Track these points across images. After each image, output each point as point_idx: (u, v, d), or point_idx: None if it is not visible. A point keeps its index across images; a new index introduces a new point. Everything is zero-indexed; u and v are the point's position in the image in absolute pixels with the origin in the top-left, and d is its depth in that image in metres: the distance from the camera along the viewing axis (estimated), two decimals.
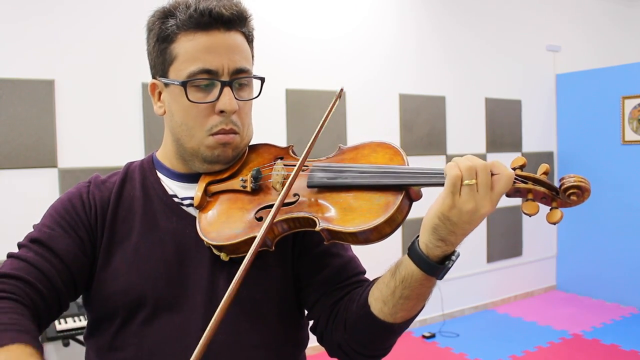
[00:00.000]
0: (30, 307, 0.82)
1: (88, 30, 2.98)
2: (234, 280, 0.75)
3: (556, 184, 0.78)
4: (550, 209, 0.76)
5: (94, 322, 0.96)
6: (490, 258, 4.79)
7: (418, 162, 3.64)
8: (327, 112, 0.91)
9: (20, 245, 0.90)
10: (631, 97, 4.64)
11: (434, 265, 0.79)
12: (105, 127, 3.04)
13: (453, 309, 4.52)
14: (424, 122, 4.32)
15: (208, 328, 0.72)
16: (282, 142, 3.63)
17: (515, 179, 0.77)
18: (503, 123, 4.83)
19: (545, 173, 0.77)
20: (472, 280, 4.65)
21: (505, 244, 4.89)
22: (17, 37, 2.80)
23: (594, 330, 4.15)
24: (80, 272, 0.90)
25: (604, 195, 4.83)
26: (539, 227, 5.10)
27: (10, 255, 0.88)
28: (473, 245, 4.66)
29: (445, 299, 4.41)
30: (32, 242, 0.89)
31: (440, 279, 0.81)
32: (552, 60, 5.22)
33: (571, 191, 0.75)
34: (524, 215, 4.96)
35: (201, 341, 0.71)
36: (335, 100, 0.92)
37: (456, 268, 3.92)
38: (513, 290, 5.00)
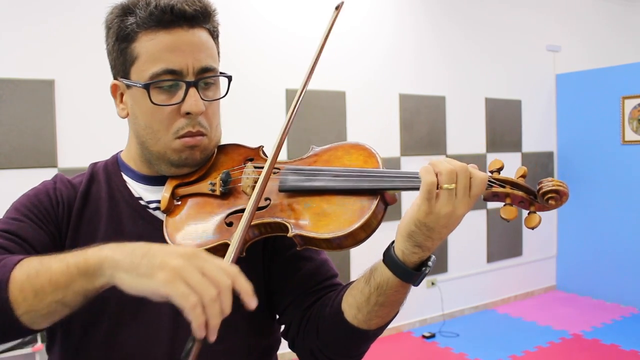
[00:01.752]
0: None
1: (88, 30, 2.98)
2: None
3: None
4: (529, 213, 0.75)
5: (54, 333, 0.90)
6: (490, 258, 4.79)
7: (418, 162, 3.64)
8: (323, 36, 0.89)
9: None
10: (631, 97, 4.64)
11: (411, 272, 0.76)
12: (105, 127, 3.03)
13: (453, 309, 4.52)
14: (423, 122, 4.31)
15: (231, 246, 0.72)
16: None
17: (493, 182, 0.75)
18: (503, 123, 4.83)
19: (522, 176, 0.75)
20: (472, 280, 4.65)
21: (505, 244, 4.89)
22: (17, 37, 2.80)
23: (594, 330, 4.15)
24: None
25: (604, 195, 4.83)
26: (539, 227, 5.08)
27: None
28: (473, 245, 4.66)
29: (445, 299, 4.41)
30: (2, 232, 0.83)
31: (417, 285, 0.79)
32: (552, 60, 5.22)
33: (549, 195, 0.73)
34: (524, 215, 4.98)
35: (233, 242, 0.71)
36: (334, 19, 0.87)
37: (456, 268, 3.92)
38: (513, 290, 4.99)
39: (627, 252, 4.71)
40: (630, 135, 4.67)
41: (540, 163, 5.08)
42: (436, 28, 4.42)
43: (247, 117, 3.37)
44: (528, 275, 5.08)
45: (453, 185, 0.71)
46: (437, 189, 0.72)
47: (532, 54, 5.06)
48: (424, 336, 4.07)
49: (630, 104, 4.65)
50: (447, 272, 4.49)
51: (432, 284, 4.40)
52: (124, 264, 0.66)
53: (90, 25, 3.00)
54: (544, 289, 5.24)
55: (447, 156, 4.43)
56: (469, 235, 4.59)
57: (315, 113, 3.74)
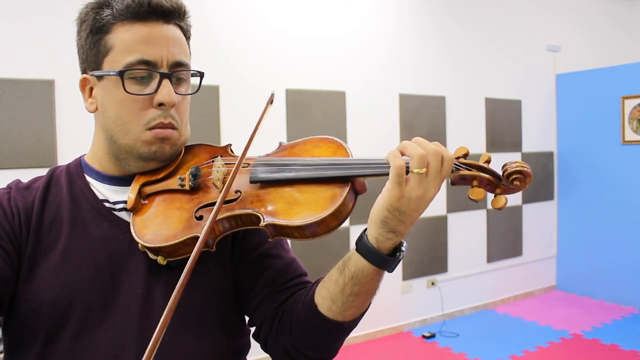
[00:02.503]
0: None
1: None
2: (179, 282, 0.67)
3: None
4: (495, 196, 0.78)
5: (14, 343, 0.87)
6: (490, 258, 4.79)
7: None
8: (260, 117, 0.87)
9: None
10: (631, 97, 4.64)
11: (386, 259, 0.77)
12: None
13: (453, 309, 4.52)
14: (424, 122, 4.32)
15: (152, 340, 0.64)
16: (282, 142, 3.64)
17: (459, 166, 0.78)
18: (503, 123, 4.83)
19: (487, 161, 0.78)
20: (472, 280, 4.65)
21: (505, 244, 4.89)
22: (17, 37, 2.80)
23: (594, 330, 4.15)
24: (7, 286, 0.82)
25: (604, 195, 4.84)
26: (539, 227, 5.11)
27: None
28: (473, 245, 4.66)
29: (445, 299, 4.41)
30: None
31: (391, 271, 0.80)
32: (552, 60, 5.22)
33: (514, 176, 0.76)
34: (524, 215, 5.00)
35: (146, 354, 0.64)
36: (267, 107, 0.88)
37: (456, 268, 3.91)
38: (513, 290, 4.99)
39: (627, 252, 4.71)
40: (630, 135, 4.67)
41: (540, 163, 5.08)
42: (436, 28, 4.42)
43: (247, 117, 3.37)
44: (528, 275, 5.08)
45: (424, 170, 0.72)
46: (407, 173, 0.72)
47: (532, 54, 5.06)
48: (424, 336, 4.07)
49: (630, 104, 4.65)
50: (447, 272, 4.49)
51: (432, 284, 4.40)
52: None
53: None
54: (544, 289, 5.24)
55: None
56: (469, 235, 4.59)
57: (315, 113, 3.74)
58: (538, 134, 5.10)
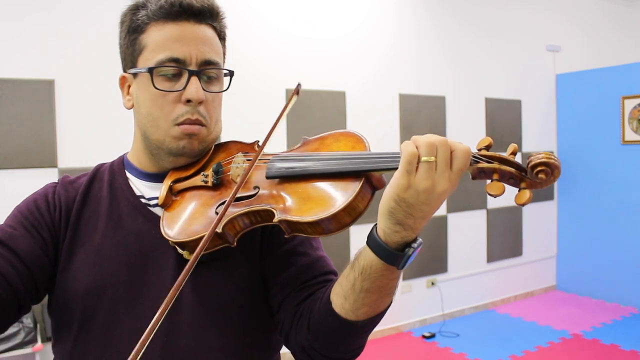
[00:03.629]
0: None
1: (88, 30, 2.98)
2: (182, 274, 0.69)
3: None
4: (519, 190, 0.72)
5: (56, 328, 0.92)
6: (490, 258, 4.79)
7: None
8: (284, 107, 0.88)
9: None
10: (631, 97, 4.64)
11: (393, 253, 0.72)
12: (105, 127, 3.04)
13: (453, 309, 4.52)
14: (424, 122, 4.31)
15: (147, 330, 0.65)
16: (282, 142, 3.65)
17: (479, 158, 0.73)
18: (503, 123, 4.83)
19: (513, 153, 0.73)
20: (472, 280, 4.65)
21: (505, 244, 4.89)
22: (17, 37, 2.80)
23: (594, 330, 4.15)
24: (41, 273, 0.88)
25: (604, 195, 4.84)
26: (539, 227, 5.11)
27: None
28: (473, 245, 4.66)
29: (445, 299, 4.41)
30: None
31: (401, 268, 0.75)
32: (552, 60, 5.22)
33: (539, 168, 0.70)
34: (524, 215, 5.00)
35: (137, 346, 0.63)
36: (292, 98, 0.88)
37: (456, 268, 3.92)
38: (513, 290, 4.99)
39: (627, 252, 4.71)
40: (630, 135, 4.67)
41: None
42: (436, 28, 4.42)
43: (247, 117, 3.37)
44: (528, 275, 5.08)
45: (432, 158, 0.69)
46: (417, 162, 0.70)
47: (532, 54, 5.06)
48: (424, 336, 4.07)
49: (630, 104, 4.65)
50: (447, 272, 4.49)
51: (432, 284, 4.40)
52: None
53: (91, 25, 3.01)
54: (544, 289, 5.24)
55: None
56: (469, 235, 4.59)
57: (315, 113, 3.74)
58: (538, 134, 5.10)
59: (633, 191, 4.65)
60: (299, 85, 0.88)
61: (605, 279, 4.87)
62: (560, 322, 4.33)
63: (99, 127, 3.02)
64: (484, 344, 3.94)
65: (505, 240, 4.88)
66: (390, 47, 4.16)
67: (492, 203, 4.67)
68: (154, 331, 0.65)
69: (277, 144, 3.37)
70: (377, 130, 4.01)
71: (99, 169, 1.00)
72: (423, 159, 0.69)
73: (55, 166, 2.90)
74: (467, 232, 4.55)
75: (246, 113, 3.32)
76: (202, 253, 0.79)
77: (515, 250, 4.98)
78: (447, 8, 4.48)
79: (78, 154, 2.95)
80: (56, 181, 0.98)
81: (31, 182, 2.82)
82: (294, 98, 0.87)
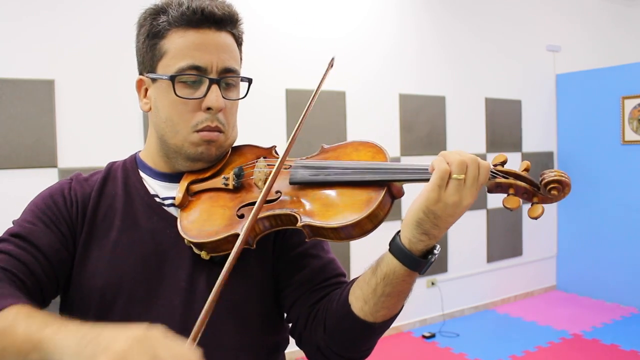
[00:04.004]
0: (18, 288, 0.82)
1: (88, 30, 2.98)
2: (220, 275, 0.73)
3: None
4: (532, 204, 0.77)
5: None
6: (490, 258, 4.79)
7: (418, 162, 3.66)
8: (318, 85, 0.92)
9: (0, 240, 0.88)
10: (631, 97, 4.64)
11: (418, 260, 0.78)
12: (105, 127, 3.04)
13: (453, 309, 4.52)
14: (424, 122, 4.31)
15: (194, 329, 0.69)
16: (282, 142, 3.65)
17: (496, 174, 0.78)
18: (503, 123, 4.83)
19: (526, 169, 0.78)
20: (472, 280, 4.65)
21: (505, 244, 4.89)
22: (17, 37, 2.80)
23: (594, 330, 4.15)
24: (62, 266, 0.89)
25: (604, 195, 4.84)
26: (539, 227, 5.11)
27: None
28: (473, 245, 4.66)
29: (445, 299, 4.41)
30: (12, 236, 0.88)
31: (422, 273, 0.81)
32: (552, 60, 5.22)
33: (552, 186, 0.75)
34: (524, 215, 4.99)
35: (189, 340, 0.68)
36: (327, 71, 0.92)
37: (456, 268, 3.91)
38: (513, 290, 4.99)
39: (627, 252, 4.71)
40: (630, 135, 4.67)
41: (540, 163, 5.07)
42: (436, 28, 4.42)
43: (247, 117, 3.37)
44: (528, 275, 5.08)
45: (462, 176, 0.74)
46: (448, 178, 0.75)
47: (532, 54, 5.06)
48: (424, 336, 4.07)
49: (630, 104, 4.65)
50: (447, 272, 4.49)
51: (432, 284, 4.40)
52: (70, 349, 0.65)
53: (91, 25, 3.01)
54: (544, 289, 5.24)
55: None
56: (469, 235, 4.59)
57: (315, 113, 3.74)
58: (538, 134, 5.10)
59: (633, 191, 4.65)
60: (332, 59, 0.94)
61: (605, 279, 4.87)
62: (560, 322, 4.33)
63: (99, 127, 3.02)
64: (484, 344, 3.94)
65: (505, 240, 4.88)
66: (390, 47, 4.16)
67: (492, 203, 4.67)
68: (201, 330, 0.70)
69: (278, 144, 3.37)
70: (377, 130, 4.01)
71: (111, 167, 1.02)
72: (454, 176, 0.74)
73: (55, 166, 2.89)
74: (467, 232, 4.55)
75: (246, 113, 3.31)
76: (220, 254, 0.86)
77: (515, 250, 4.98)
78: (447, 8, 4.48)
79: (78, 154, 2.95)
80: (69, 178, 0.99)
81: (31, 182, 2.84)
82: (330, 70, 0.93)
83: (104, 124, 3.04)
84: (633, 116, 4.64)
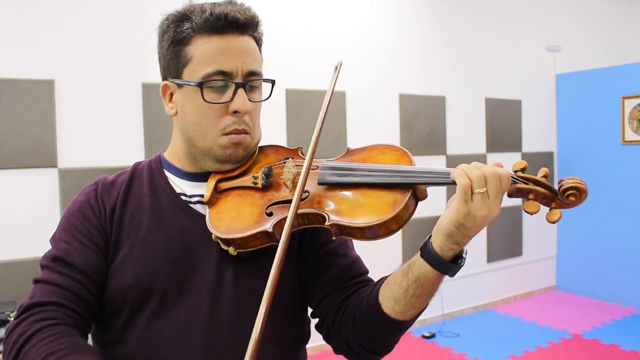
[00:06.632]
0: (74, 326, 0.87)
1: (88, 30, 2.98)
2: (271, 275, 0.78)
3: (555, 185, 0.82)
4: (550, 209, 0.81)
5: (99, 318, 0.97)
6: (490, 258, 4.79)
7: (418, 162, 3.66)
8: (330, 91, 0.96)
9: (42, 266, 0.92)
10: (631, 97, 4.64)
11: (450, 265, 0.83)
12: (105, 127, 3.04)
13: (453, 309, 4.52)
14: (424, 122, 4.31)
15: (257, 321, 0.76)
16: (282, 142, 3.63)
17: (517, 179, 0.82)
18: (503, 123, 4.83)
19: (545, 176, 0.82)
20: (472, 280, 4.65)
21: (505, 244, 4.89)
22: (17, 37, 2.80)
23: (594, 330, 4.15)
24: (102, 278, 0.93)
25: (604, 195, 4.83)
26: (539, 227, 5.10)
27: (36, 280, 0.91)
28: (473, 245, 4.61)
29: (445, 299, 4.41)
30: (53, 261, 0.91)
31: (453, 276, 0.86)
32: (552, 60, 5.22)
33: (570, 192, 0.79)
34: (524, 215, 4.99)
35: (252, 339, 0.75)
36: (336, 77, 0.96)
37: None
38: (513, 290, 5.00)
39: (627, 252, 4.71)
40: (630, 135, 4.67)
41: (540, 163, 5.07)
42: (437, 28, 4.42)
43: None
44: (528, 275, 5.08)
45: (484, 189, 0.77)
46: (471, 192, 0.78)
47: (532, 54, 5.06)
48: (424, 336, 4.07)
49: (630, 104, 4.65)
50: None
51: None
52: None
53: (91, 25, 3.01)
54: (544, 289, 5.24)
55: (446, 156, 4.43)
56: None
57: (315, 113, 3.72)
58: (538, 134, 5.10)
59: (633, 191, 4.65)
60: (340, 63, 0.97)
61: (605, 279, 4.87)
62: (560, 322, 4.33)
63: (98, 127, 3.02)
64: (484, 344, 3.94)
65: (505, 240, 4.88)
66: (391, 47, 4.16)
67: None
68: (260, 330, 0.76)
69: (278, 144, 3.36)
70: (377, 130, 4.01)
71: (136, 167, 1.04)
72: (476, 190, 0.78)
73: (55, 166, 2.89)
74: None
75: None
76: (247, 250, 0.91)
77: (515, 250, 4.98)
78: (448, 8, 4.48)
79: (78, 154, 2.95)
80: (94, 183, 1.02)
81: (31, 182, 2.84)
82: (336, 76, 0.96)
83: (104, 124, 3.04)
84: (633, 116, 4.64)
